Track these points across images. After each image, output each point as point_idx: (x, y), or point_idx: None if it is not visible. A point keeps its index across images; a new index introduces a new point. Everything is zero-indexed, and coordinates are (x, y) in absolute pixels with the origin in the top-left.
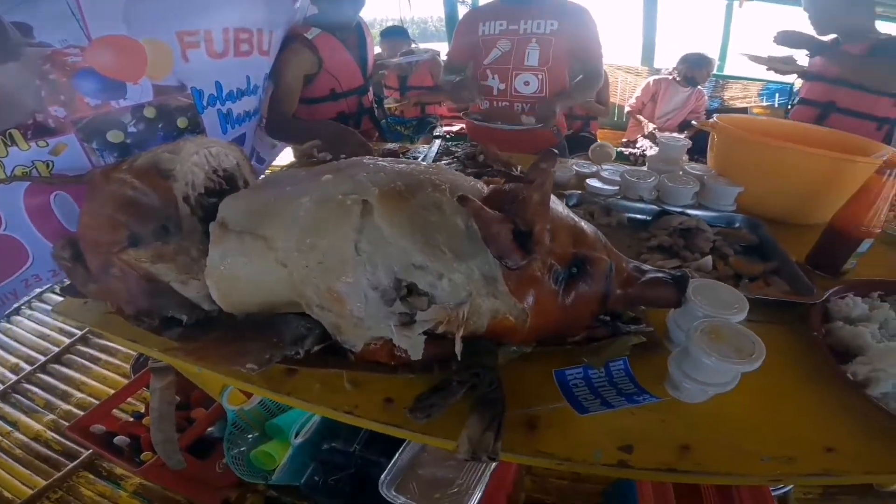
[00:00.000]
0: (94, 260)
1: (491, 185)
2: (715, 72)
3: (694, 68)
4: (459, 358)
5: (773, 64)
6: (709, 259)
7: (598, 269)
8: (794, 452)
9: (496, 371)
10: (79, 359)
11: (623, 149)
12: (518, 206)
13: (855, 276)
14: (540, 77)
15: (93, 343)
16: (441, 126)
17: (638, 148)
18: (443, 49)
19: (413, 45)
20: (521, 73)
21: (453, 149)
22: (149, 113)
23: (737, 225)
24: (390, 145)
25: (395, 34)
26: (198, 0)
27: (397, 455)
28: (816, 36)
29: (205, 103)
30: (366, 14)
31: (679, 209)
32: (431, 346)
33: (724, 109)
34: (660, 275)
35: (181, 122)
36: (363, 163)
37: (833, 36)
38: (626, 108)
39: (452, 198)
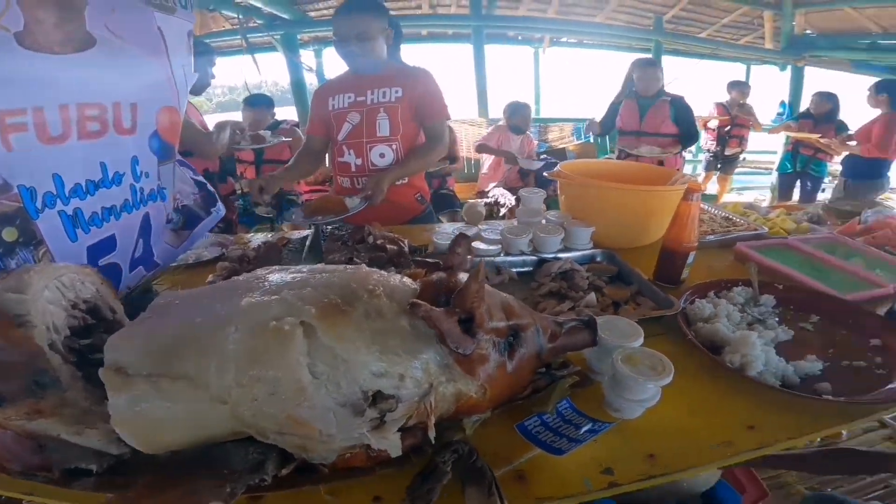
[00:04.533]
0: None
1: (418, 280)
2: (535, 116)
3: (513, 117)
4: (433, 442)
5: None
6: (592, 295)
7: (528, 332)
8: (729, 437)
9: (468, 443)
10: None
11: (479, 199)
12: (457, 297)
13: (690, 283)
14: (394, 147)
15: None
16: (302, 203)
17: (491, 197)
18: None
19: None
20: (374, 145)
21: (337, 232)
22: None
23: (598, 259)
24: (261, 236)
25: (260, 103)
26: (19, 67)
27: None
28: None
29: (39, 205)
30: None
31: (553, 255)
32: (404, 437)
33: (551, 151)
34: (574, 323)
35: (7, 234)
36: (282, 278)
37: None
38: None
39: (389, 301)
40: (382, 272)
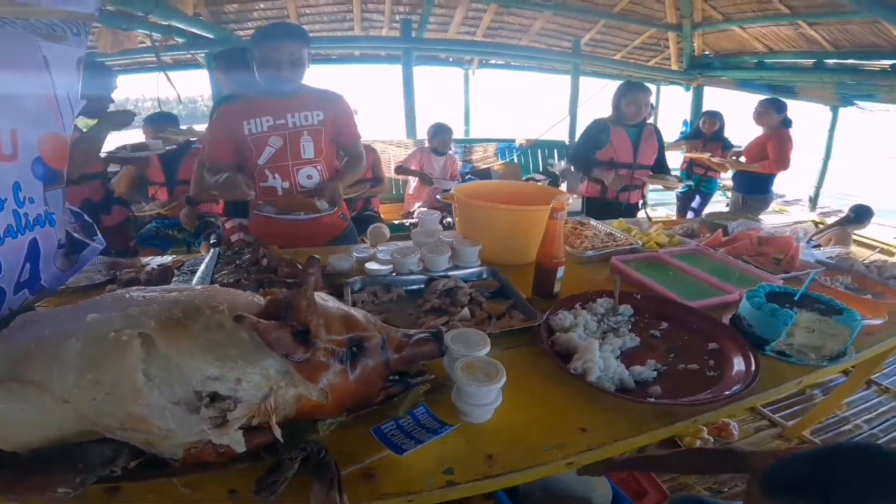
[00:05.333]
0: None
1: (267, 297)
2: (463, 136)
3: (434, 138)
4: (282, 440)
5: None
6: (466, 310)
7: (372, 344)
8: (563, 439)
9: (320, 442)
10: None
11: (405, 220)
12: (291, 312)
13: (563, 295)
14: (319, 168)
15: None
16: (223, 226)
17: (416, 217)
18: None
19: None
20: (301, 167)
21: (233, 256)
22: None
23: (484, 276)
24: (160, 259)
25: (162, 120)
26: None
27: None
28: None
29: None
30: (128, 94)
31: (442, 273)
32: (254, 436)
33: (475, 171)
34: (423, 335)
35: None
36: (130, 297)
37: None
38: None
39: (231, 316)
40: (233, 291)
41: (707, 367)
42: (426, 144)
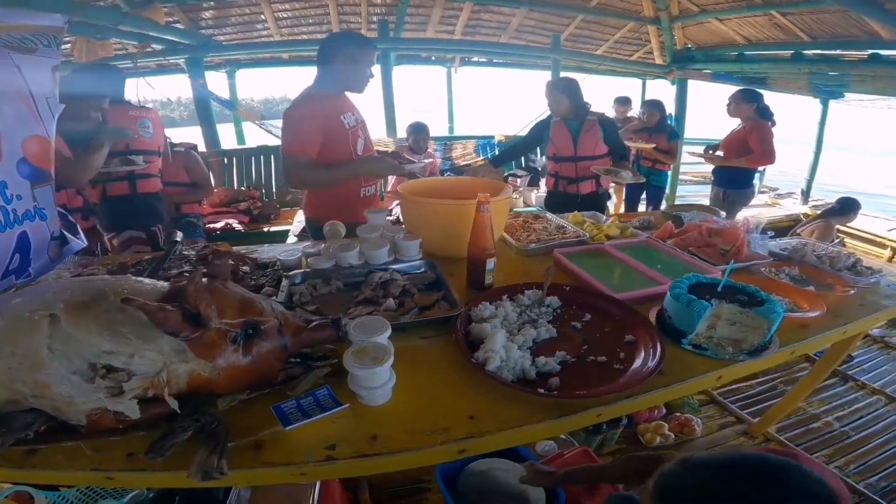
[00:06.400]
0: None
1: (174, 284)
2: (448, 134)
3: (411, 136)
4: (179, 411)
5: None
6: (391, 301)
7: (268, 327)
8: (448, 424)
9: (216, 414)
10: None
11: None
12: (181, 297)
13: (501, 286)
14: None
15: None
16: (204, 225)
17: (394, 215)
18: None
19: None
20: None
21: (186, 252)
22: None
23: (422, 269)
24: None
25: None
26: None
27: None
28: None
29: None
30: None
31: (382, 266)
32: (152, 407)
33: (454, 169)
34: (323, 321)
35: None
36: (53, 285)
37: None
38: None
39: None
40: (145, 280)
41: (616, 360)
42: (406, 143)
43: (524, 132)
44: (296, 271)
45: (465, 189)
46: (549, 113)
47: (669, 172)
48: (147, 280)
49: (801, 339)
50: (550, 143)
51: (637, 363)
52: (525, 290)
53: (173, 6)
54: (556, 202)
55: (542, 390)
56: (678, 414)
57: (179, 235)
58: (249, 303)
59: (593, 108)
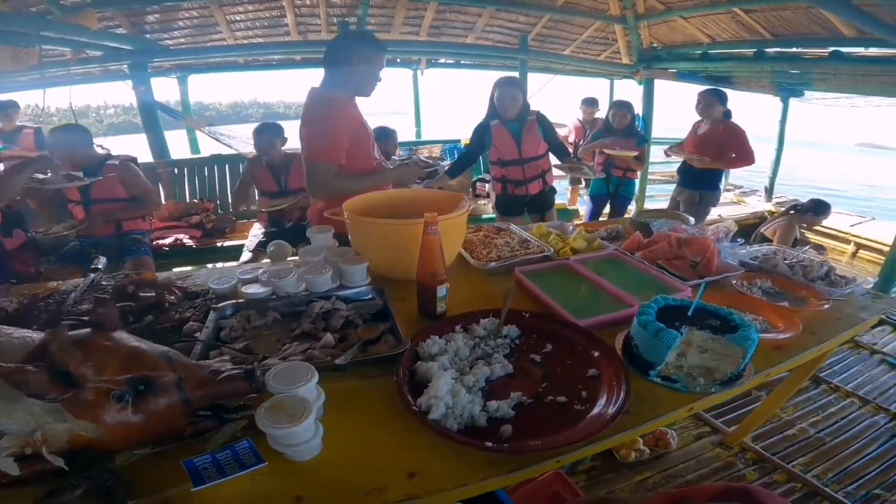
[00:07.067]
0: None
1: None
2: (415, 138)
3: (377, 142)
4: (67, 468)
5: None
6: (329, 337)
7: (164, 382)
8: (384, 483)
9: (112, 471)
10: None
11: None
12: (48, 356)
13: (457, 312)
14: None
15: None
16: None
17: None
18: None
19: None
20: None
21: (104, 283)
22: None
23: (370, 296)
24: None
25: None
26: None
27: None
28: None
29: None
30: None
31: (325, 294)
32: (35, 463)
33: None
34: (234, 372)
35: None
36: None
37: None
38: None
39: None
40: (20, 333)
41: (577, 400)
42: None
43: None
44: (226, 302)
45: (421, 203)
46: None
47: (637, 181)
48: (17, 332)
49: (777, 362)
50: (493, 147)
51: (600, 403)
52: (481, 319)
53: (114, 11)
54: (505, 204)
55: (489, 443)
56: None
57: (101, 262)
58: (139, 355)
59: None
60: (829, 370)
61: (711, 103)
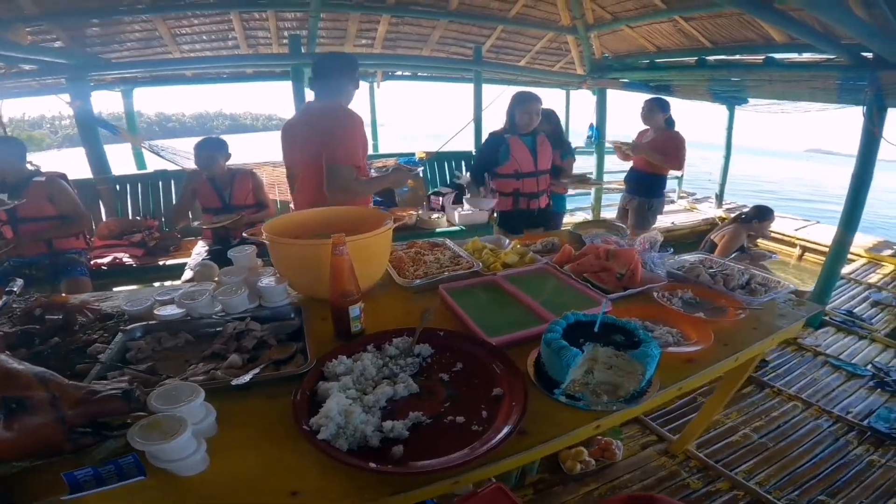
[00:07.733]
0: None
1: None
2: (371, 151)
3: None
4: None
5: None
6: (235, 357)
7: (35, 400)
8: (265, 500)
9: None
10: None
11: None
12: None
13: (370, 331)
14: None
15: None
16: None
17: None
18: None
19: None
20: None
21: (14, 305)
22: None
23: (290, 316)
24: None
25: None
26: None
27: None
28: None
29: None
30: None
31: (240, 315)
32: None
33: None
34: (111, 392)
35: None
36: None
37: None
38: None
39: None
40: None
41: (476, 420)
42: None
43: (450, 146)
44: (136, 324)
45: (356, 222)
46: (501, 127)
47: (566, 196)
48: None
49: (687, 375)
50: (511, 160)
51: (497, 423)
52: (393, 339)
53: (49, 24)
54: (518, 220)
55: (373, 464)
56: (599, 437)
57: (18, 284)
58: (13, 377)
59: None
60: (773, 374)
61: (654, 111)
